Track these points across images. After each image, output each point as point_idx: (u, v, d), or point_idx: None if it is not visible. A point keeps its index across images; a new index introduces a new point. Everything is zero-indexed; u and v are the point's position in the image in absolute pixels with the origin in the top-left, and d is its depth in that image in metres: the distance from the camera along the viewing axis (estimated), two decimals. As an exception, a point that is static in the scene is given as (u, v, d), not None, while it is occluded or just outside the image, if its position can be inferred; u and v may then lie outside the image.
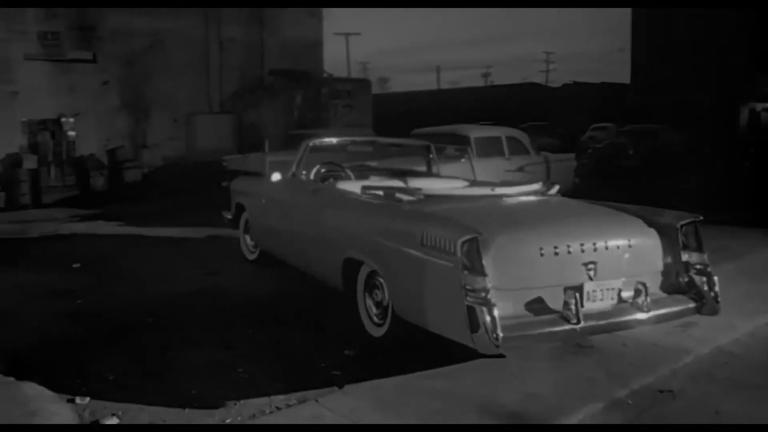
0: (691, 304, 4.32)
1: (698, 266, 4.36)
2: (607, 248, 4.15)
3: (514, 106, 36.94)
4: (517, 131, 11.39)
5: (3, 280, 6.72)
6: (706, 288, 4.33)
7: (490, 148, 10.62)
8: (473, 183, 6.14)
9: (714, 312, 4.34)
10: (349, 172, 6.82)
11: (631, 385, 4.17)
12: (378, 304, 4.74)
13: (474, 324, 3.62)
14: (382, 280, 4.56)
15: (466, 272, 3.67)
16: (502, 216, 4.39)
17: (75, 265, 7.33)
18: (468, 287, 3.66)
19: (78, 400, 3.88)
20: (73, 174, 14.74)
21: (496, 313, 3.61)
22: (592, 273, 4.08)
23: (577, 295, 3.88)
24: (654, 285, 4.38)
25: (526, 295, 3.94)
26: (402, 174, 7.05)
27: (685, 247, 4.41)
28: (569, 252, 4.03)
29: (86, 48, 15.29)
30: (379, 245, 4.50)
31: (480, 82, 61.75)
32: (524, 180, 5.47)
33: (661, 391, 4.12)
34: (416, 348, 4.51)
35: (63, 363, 4.43)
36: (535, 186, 5.20)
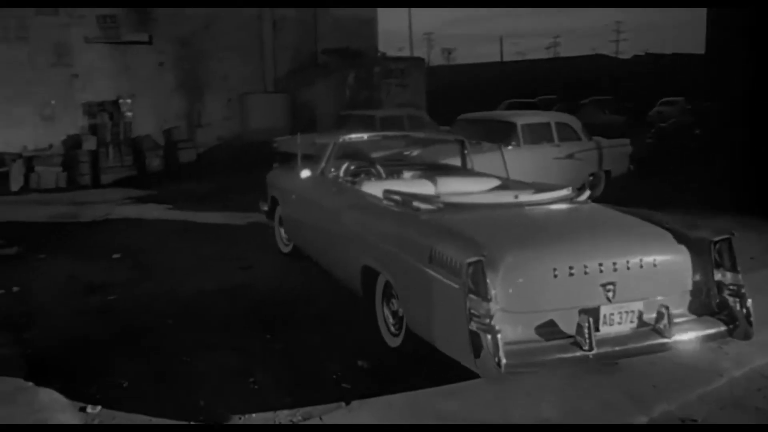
0: (722, 327, 4.04)
1: (732, 287, 4.06)
2: (628, 268, 3.91)
3: (581, 79, 35.86)
4: (567, 116, 10.98)
5: (45, 272, 6.95)
6: (739, 309, 4.04)
7: (539, 135, 10.28)
8: (503, 184, 5.92)
9: (747, 336, 4.05)
10: (379, 168, 6.71)
11: (652, 411, 3.96)
12: (394, 314, 4.64)
13: (477, 349, 3.49)
14: (395, 291, 4.46)
15: (471, 295, 3.53)
16: (517, 230, 4.18)
17: (115, 256, 7.51)
18: (473, 311, 3.52)
19: (89, 409, 3.96)
20: (130, 154, 15.13)
21: (500, 339, 3.45)
22: (610, 294, 3.85)
23: (591, 320, 3.67)
24: (682, 305, 4.11)
25: (537, 317, 3.76)
26: (434, 170, 6.90)
27: (719, 266, 4.11)
28: (586, 272, 3.82)
29: (142, 30, 15.56)
30: (393, 256, 4.39)
31: (547, 54, 60.13)
32: (553, 186, 5.19)
33: (683, 421, 3.90)
34: (430, 360, 4.40)
35: (83, 366, 4.53)
36: (564, 192, 4.96)
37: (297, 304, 5.73)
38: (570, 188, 5.04)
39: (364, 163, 6.70)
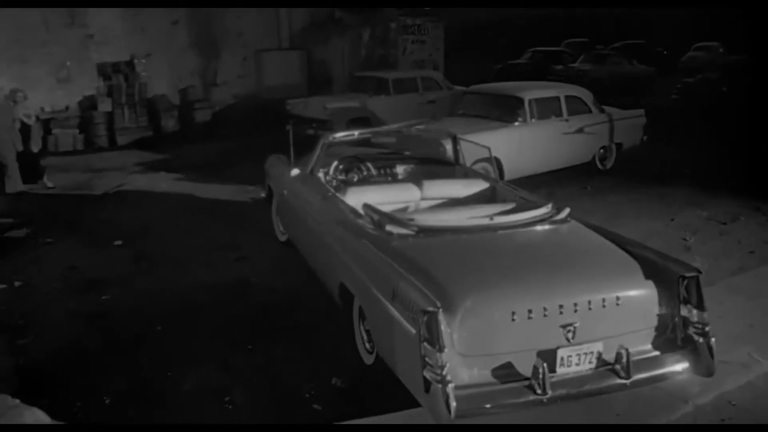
0: (684, 364, 4.07)
1: (697, 325, 4.07)
2: (590, 308, 3.93)
3: (609, 23, 34.56)
4: (578, 89, 10.71)
5: (48, 262, 7.17)
6: (702, 346, 4.06)
7: (547, 110, 10.11)
8: (488, 188, 5.89)
9: (709, 373, 4.08)
10: (369, 165, 6.71)
11: (611, 449, 4.05)
12: (368, 333, 4.75)
13: (430, 395, 3.59)
14: (366, 315, 4.56)
15: (425, 344, 3.60)
16: (481, 266, 4.18)
17: (117, 243, 7.71)
18: (426, 359, 3.60)
19: (69, 432, 4.19)
20: (145, 115, 15.23)
21: (450, 389, 3.53)
22: (570, 335, 3.90)
23: (545, 364, 3.73)
24: (645, 340, 4.15)
25: (494, 360, 3.82)
26: (425, 164, 6.88)
27: (686, 302, 4.11)
28: (545, 315, 3.85)
29: (157, -13, 15.41)
30: (363, 284, 4.46)
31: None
32: (537, 202, 5.08)
33: (640, 456, 3.99)
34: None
35: (71, 380, 4.75)
36: (542, 210, 4.92)
37: (282, 309, 5.86)
38: (550, 205, 4.99)
39: (354, 161, 6.69)
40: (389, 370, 4.45)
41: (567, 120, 10.19)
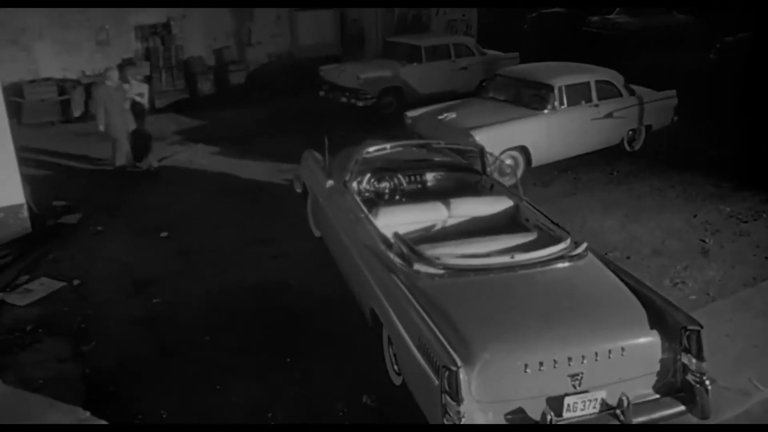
0: (681, 407, 4.49)
1: (696, 373, 4.45)
2: (597, 359, 4.35)
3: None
4: (608, 72, 10.74)
5: (100, 255, 7.72)
6: (700, 391, 4.46)
7: (577, 96, 10.26)
8: (512, 207, 6.24)
9: (705, 417, 4.49)
10: (400, 177, 7.05)
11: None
12: (396, 357, 5.23)
13: (450, 440, 4.08)
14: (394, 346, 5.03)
15: (446, 395, 4.07)
16: (500, 315, 4.57)
17: (163, 234, 8.24)
18: (446, 407, 4.07)
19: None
20: (182, 78, 15.57)
21: (467, 434, 4.03)
22: (576, 384, 4.33)
23: (552, 413, 4.19)
24: (646, 384, 4.56)
25: (507, 405, 4.28)
26: (454, 171, 7.19)
27: (686, 351, 4.49)
28: (555, 366, 4.28)
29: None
30: (392, 320, 4.90)
31: None
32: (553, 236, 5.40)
33: (635, 487, 4.47)
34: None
35: (131, 391, 5.35)
36: (561, 246, 5.26)
37: (318, 318, 6.35)
38: (568, 240, 5.32)
39: (386, 174, 7.02)
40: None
41: (597, 105, 10.33)
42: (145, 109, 10.93)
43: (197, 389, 5.39)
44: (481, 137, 9.13)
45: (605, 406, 4.40)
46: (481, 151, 7.06)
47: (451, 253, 5.26)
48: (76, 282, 7.07)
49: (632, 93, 10.83)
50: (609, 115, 10.42)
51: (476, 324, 4.44)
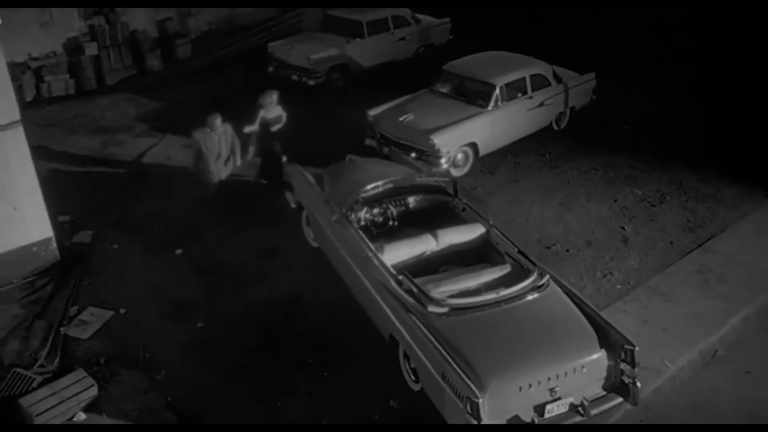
0: (620, 399, 6.52)
1: (629, 377, 6.44)
2: (566, 376, 6.26)
3: None
4: (539, 65, 12.26)
5: (129, 281, 8.88)
6: (632, 388, 6.46)
7: (515, 90, 11.82)
8: (484, 233, 7.95)
9: (635, 404, 6.54)
10: (391, 207, 8.58)
11: (572, 446, 6.57)
12: (413, 370, 6.99)
13: (473, 441, 5.95)
14: (415, 368, 6.78)
15: (468, 416, 5.88)
16: (499, 348, 6.34)
17: (178, 252, 9.48)
18: (468, 423, 5.90)
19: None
20: (129, 55, 15.99)
21: (486, 441, 5.90)
22: (554, 395, 6.24)
23: (536, 415, 6.12)
24: (597, 385, 6.54)
25: (506, 414, 6.16)
26: (431, 193, 8.76)
27: (623, 361, 6.45)
28: (539, 385, 6.16)
29: None
30: (414, 351, 6.62)
31: None
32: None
33: (589, 455, 6.54)
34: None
35: (211, 415, 6.88)
36: (531, 279, 7.03)
37: (337, 331, 7.94)
38: (535, 274, 7.09)
39: (377, 204, 8.51)
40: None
41: (531, 97, 11.96)
42: (280, 132, 10.93)
43: (263, 407, 6.98)
44: (439, 140, 10.71)
45: (572, 406, 6.36)
46: (454, 182, 8.64)
47: (450, 290, 6.98)
48: (122, 311, 8.33)
49: (559, 81, 12.50)
50: (541, 104, 12.12)
51: (482, 357, 6.21)
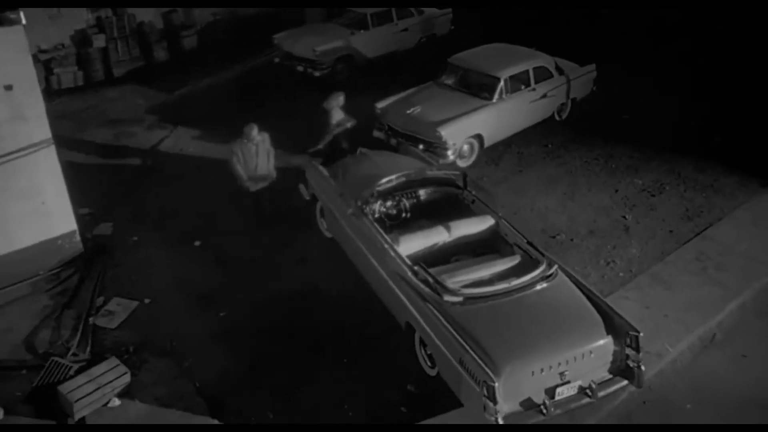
0: (625, 382, 6.92)
1: (634, 361, 6.84)
2: (575, 360, 6.66)
3: None
4: (543, 58, 12.57)
5: (151, 271, 9.24)
6: (637, 371, 6.87)
7: (519, 83, 12.14)
8: (493, 226, 8.31)
9: (640, 386, 6.95)
10: (404, 199, 8.94)
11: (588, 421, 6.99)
12: (430, 357, 7.38)
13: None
14: (432, 355, 7.18)
15: (485, 399, 6.28)
16: (513, 335, 6.70)
17: (196, 243, 9.83)
18: (486, 407, 6.30)
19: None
20: (136, 47, 16.22)
21: (501, 421, 6.30)
22: (564, 378, 6.64)
23: (548, 398, 6.53)
24: (604, 368, 6.94)
25: (520, 396, 6.57)
26: (441, 186, 9.10)
27: (628, 346, 6.86)
28: (551, 369, 6.56)
29: None
30: (430, 337, 7.01)
31: None
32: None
33: (598, 433, 6.97)
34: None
35: (238, 399, 7.27)
36: (540, 269, 7.41)
37: (352, 321, 8.29)
38: (544, 264, 7.46)
39: (390, 196, 8.86)
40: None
41: (534, 89, 12.29)
42: (350, 135, 11.07)
43: (287, 392, 7.37)
44: (446, 132, 11.05)
45: (580, 389, 6.77)
46: (464, 175, 8.99)
47: (464, 280, 7.36)
48: (147, 301, 8.68)
49: (561, 72, 12.82)
50: (544, 96, 12.45)
51: (497, 344, 6.60)
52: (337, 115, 10.97)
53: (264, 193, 9.98)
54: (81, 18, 15.80)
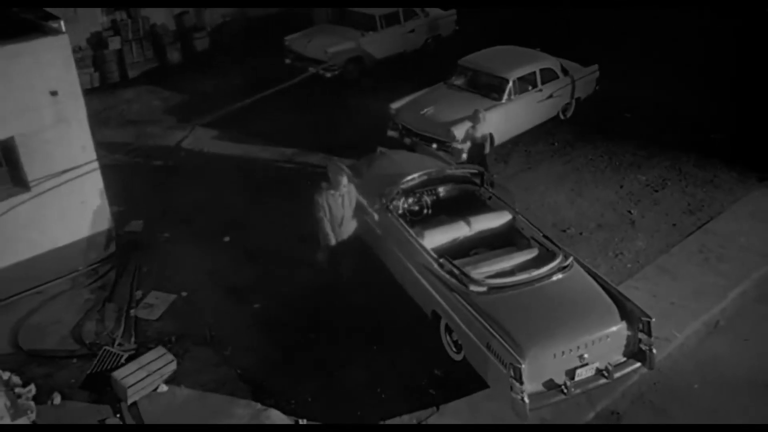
0: (638, 364, 7.48)
1: (646, 344, 7.40)
2: (593, 344, 7.22)
3: None
4: (548, 59, 13.13)
5: (185, 266, 9.72)
6: (650, 354, 7.43)
7: (526, 84, 12.69)
8: (510, 221, 8.85)
9: (651, 368, 7.51)
10: (425, 196, 9.46)
11: (597, 407, 7.56)
12: (455, 342, 7.92)
13: (515, 404, 6.90)
14: (458, 341, 7.72)
15: (512, 379, 6.83)
16: (535, 321, 7.25)
17: (225, 239, 10.31)
18: (512, 387, 6.85)
19: (300, 422, 7.34)
20: (150, 48, 16.66)
21: (527, 399, 6.85)
22: (582, 361, 7.20)
23: (569, 379, 7.08)
24: (618, 352, 7.50)
25: (542, 378, 7.12)
26: (459, 184, 9.62)
27: (641, 331, 7.42)
28: (570, 352, 7.12)
29: None
30: (457, 324, 7.55)
31: None
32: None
33: (612, 413, 7.53)
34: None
35: (277, 383, 7.78)
36: (558, 261, 7.95)
37: (378, 310, 8.78)
38: (561, 256, 8.01)
39: (412, 194, 9.38)
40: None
41: (541, 90, 12.84)
42: (486, 150, 10.95)
43: (323, 378, 7.89)
44: (458, 132, 11.57)
45: (597, 371, 7.33)
46: (482, 173, 9.53)
47: (487, 271, 7.91)
48: (183, 294, 9.17)
49: (566, 73, 13.37)
50: (550, 96, 13.02)
51: (521, 329, 7.13)
52: (480, 131, 10.84)
53: (347, 253, 8.86)
54: (96, 21, 16.21)
